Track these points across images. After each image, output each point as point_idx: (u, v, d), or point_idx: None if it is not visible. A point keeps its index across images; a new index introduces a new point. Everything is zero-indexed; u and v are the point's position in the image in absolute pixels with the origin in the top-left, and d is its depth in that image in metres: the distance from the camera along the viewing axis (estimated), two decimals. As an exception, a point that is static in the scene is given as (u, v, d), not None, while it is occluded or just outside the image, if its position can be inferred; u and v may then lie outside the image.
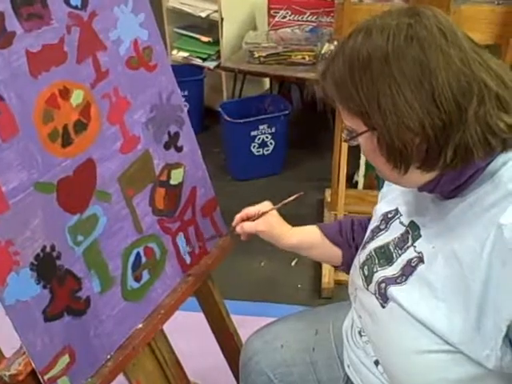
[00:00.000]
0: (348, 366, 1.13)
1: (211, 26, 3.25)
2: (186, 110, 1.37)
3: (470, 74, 0.83)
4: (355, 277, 1.10)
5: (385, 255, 1.03)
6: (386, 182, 1.15)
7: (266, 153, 2.98)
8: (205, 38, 3.29)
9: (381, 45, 0.84)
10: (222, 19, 3.11)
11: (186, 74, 3.24)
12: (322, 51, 2.80)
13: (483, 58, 0.85)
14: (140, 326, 1.24)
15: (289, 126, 3.03)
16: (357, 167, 2.84)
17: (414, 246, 0.97)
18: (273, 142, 2.95)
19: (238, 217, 1.29)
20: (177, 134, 1.34)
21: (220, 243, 1.45)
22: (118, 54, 1.19)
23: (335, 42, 2.80)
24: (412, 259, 0.95)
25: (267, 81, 3.44)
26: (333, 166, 2.66)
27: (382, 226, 1.08)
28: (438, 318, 0.88)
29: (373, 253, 1.06)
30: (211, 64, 3.27)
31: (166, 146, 1.31)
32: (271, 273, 2.47)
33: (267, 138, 2.92)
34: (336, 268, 1.33)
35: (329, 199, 2.75)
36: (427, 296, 0.90)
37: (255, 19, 3.20)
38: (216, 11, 3.15)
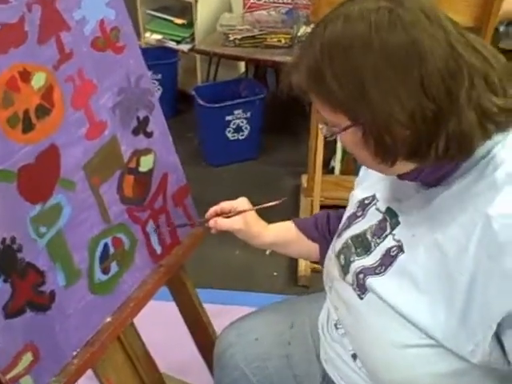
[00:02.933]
0: (325, 361, 1.10)
1: (185, 8, 3.17)
2: (156, 94, 1.31)
3: (457, 57, 0.78)
4: (330, 266, 1.06)
5: (362, 244, 0.99)
6: (363, 167, 1.11)
7: (241, 138, 2.93)
8: (178, 21, 3.21)
9: (363, 32, 0.78)
10: (195, 0, 3.04)
11: (160, 57, 3.16)
12: (299, 33, 2.75)
13: (468, 39, 0.81)
14: (108, 319, 1.19)
15: (264, 111, 2.98)
16: (333, 152, 2.80)
17: (393, 234, 0.93)
18: (248, 127, 2.90)
19: (211, 210, 1.24)
20: (146, 119, 1.28)
21: (192, 232, 1.40)
22: (82, 35, 1.13)
23: (312, 25, 2.75)
24: (391, 248, 0.92)
25: (243, 64, 3.38)
26: (309, 151, 2.61)
27: (359, 213, 1.04)
28: (419, 311, 0.85)
29: (349, 241, 1.02)
30: (185, 47, 3.20)
31: (135, 132, 1.26)
32: (246, 261, 2.42)
33: (242, 122, 2.87)
34: (316, 264, 1.30)
35: (305, 185, 2.71)
36: (408, 288, 0.87)
37: (230, 0, 3.13)
38: (190, -7, 3.07)
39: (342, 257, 1.02)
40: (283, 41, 2.81)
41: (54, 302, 1.08)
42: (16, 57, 1.00)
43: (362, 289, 0.94)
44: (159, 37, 3.25)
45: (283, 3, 2.90)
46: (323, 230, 1.23)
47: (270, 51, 2.80)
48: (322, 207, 2.49)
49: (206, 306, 1.54)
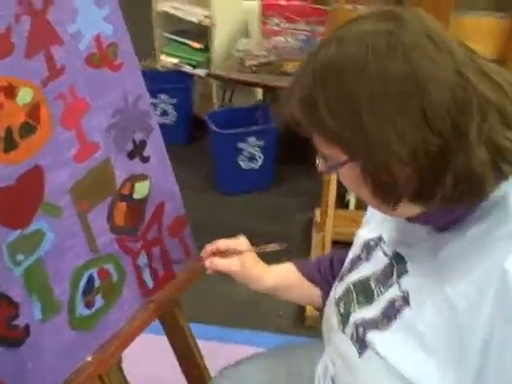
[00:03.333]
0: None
1: (202, 32, 3.12)
2: (155, 117, 1.23)
3: (466, 86, 0.69)
4: (330, 314, 0.96)
5: (365, 292, 0.88)
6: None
7: (254, 167, 2.84)
8: (196, 44, 3.16)
9: (357, 54, 0.70)
10: (213, 25, 2.99)
11: (175, 81, 3.11)
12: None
13: (480, 65, 0.71)
14: (89, 358, 1.09)
15: (279, 140, 2.89)
16: (348, 186, 2.69)
17: (399, 284, 0.83)
18: (261, 156, 2.81)
19: (207, 249, 1.15)
20: (143, 143, 1.20)
21: (189, 266, 1.31)
22: (77, 50, 1.05)
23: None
24: (395, 300, 0.81)
25: (260, 90, 3.31)
26: (324, 184, 2.52)
27: (363, 256, 0.94)
28: (426, 375, 0.74)
29: (351, 287, 0.92)
30: (201, 71, 3.14)
31: (131, 156, 1.17)
32: (251, 296, 2.30)
33: (256, 151, 2.78)
34: (318, 311, 1.19)
35: (318, 219, 2.61)
36: (414, 347, 0.76)
37: (247, 26, 3.07)
38: (207, 17, 3.02)
39: (341, 304, 0.92)
40: (301, 69, 2.73)
41: (29, 338, 0.99)
42: (0, 70, 0.92)
43: (361, 344, 0.84)
44: (175, 60, 3.19)
45: (301, 30, 2.83)
46: (326, 275, 1.13)
47: (286, 78, 2.72)
48: (335, 243, 2.39)
49: (204, 342, 1.44)
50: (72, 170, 1.05)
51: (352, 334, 0.86)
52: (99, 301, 1.12)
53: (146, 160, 1.21)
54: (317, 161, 0.82)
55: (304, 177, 3.03)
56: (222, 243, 1.12)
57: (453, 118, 0.67)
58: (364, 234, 0.97)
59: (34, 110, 0.98)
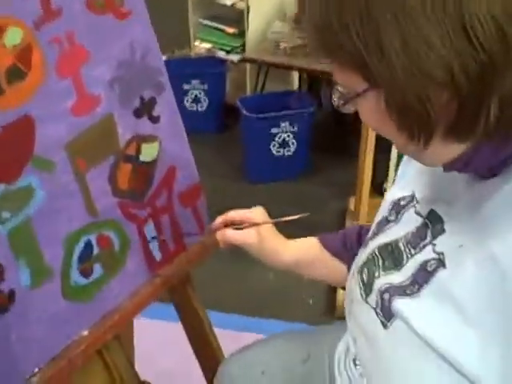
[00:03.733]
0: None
1: (237, 17, 3.02)
2: (166, 75, 1.12)
3: None
4: (353, 284, 0.83)
5: (392, 255, 0.76)
6: (403, 161, 0.88)
7: (286, 153, 2.72)
8: (230, 30, 3.06)
9: None
10: (248, 8, 2.88)
11: (208, 67, 3.01)
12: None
13: None
14: (85, 333, 0.99)
15: (314, 126, 2.77)
16: (386, 174, 2.55)
17: (434, 245, 0.70)
18: (294, 142, 2.68)
19: (219, 220, 1.03)
20: (152, 101, 1.09)
21: (202, 239, 1.19)
22: (76, -9, 0.95)
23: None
24: (428, 261, 0.68)
25: (296, 77, 3.18)
26: (358, 171, 2.38)
27: (392, 217, 0.81)
28: (463, 348, 0.61)
29: (376, 252, 0.79)
30: (235, 57, 3.04)
31: (137, 114, 1.07)
32: (280, 286, 2.19)
33: (288, 136, 2.66)
34: (343, 289, 1.06)
35: (352, 208, 2.47)
36: (449, 315, 0.63)
37: (284, 9, 2.95)
38: (242, 0, 2.92)
39: (365, 271, 0.79)
40: (338, 51, 2.60)
41: (13, 304, 0.89)
42: (-15, 5, 0.83)
43: (386, 314, 0.71)
44: (209, 45, 3.10)
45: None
46: (352, 249, 0.99)
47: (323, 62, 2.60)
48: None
49: (226, 332, 1.33)
50: (68, 124, 0.95)
51: (376, 303, 0.74)
52: (98, 270, 1.01)
53: (155, 120, 1.10)
54: (333, 96, 0.69)
55: (338, 166, 2.90)
56: (236, 213, 1.01)
57: (500, 27, 0.54)
58: (393, 194, 0.84)
59: (24, 53, 0.89)
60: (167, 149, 1.12)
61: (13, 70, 0.87)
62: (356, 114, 0.69)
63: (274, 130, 2.63)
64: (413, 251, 0.72)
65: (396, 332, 0.69)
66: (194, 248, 1.18)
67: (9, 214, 0.88)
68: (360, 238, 0.99)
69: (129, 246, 1.06)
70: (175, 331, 1.31)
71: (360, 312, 0.78)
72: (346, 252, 0.99)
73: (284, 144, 2.68)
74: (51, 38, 0.92)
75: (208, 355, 1.29)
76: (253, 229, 0.99)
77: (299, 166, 2.78)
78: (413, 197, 0.79)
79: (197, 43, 3.17)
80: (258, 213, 1.01)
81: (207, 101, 3.06)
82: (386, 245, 0.78)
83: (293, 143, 2.68)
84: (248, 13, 2.86)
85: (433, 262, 0.68)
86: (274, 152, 2.70)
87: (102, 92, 1.00)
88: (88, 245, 1.00)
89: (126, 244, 1.06)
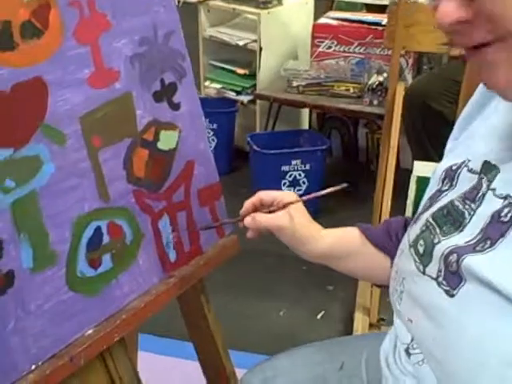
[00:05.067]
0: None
1: (248, 59, 2.99)
2: (189, 61, 1.05)
3: None
4: (401, 263, 0.73)
5: (450, 217, 0.66)
6: (452, 135, 0.80)
7: (297, 193, 2.62)
8: (240, 71, 3.02)
9: None
10: (260, 49, 2.85)
11: (217, 107, 2.96)
12: (369, 82, 2.49)
13: None
14: (89, 332, 0.87)
15: (325, 168, 2.68)
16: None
17: (493, 190, 0.61)
18: (306, 182, 2.59)
19: (248, 202, 0.94)
20: (173, 86, 1.01)
21: (220, 242, 1.09)
22: (100, -43, 0.89)
23: (384, 74, 2.50)
24: (501, 211, 0.59)
25: (306, 120, 3.13)
26: (373, 219, 2.29)
27: (445, 187, 0.72)
28: None
29: (430, 220, 0.69)
30: (245, 98, 2.99)
31: (157, 97, 0.98)
32: (292, 325, 2.06)
33: (300, 175, 2.57)
34: (381, 287, 0.95)
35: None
36: None
37: (297, 50, 2.93)
38: (255, 41, 2.89)
39: (420, 243, 0.69)
40: (352, 90, 2.56)
41: (12, 288, 0.78)
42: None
43: (453, 280, 0.61)
44: (219, 86, 3.06)
45: (354, 53, 2.66)
46: (398, 239, 0.89)
47: (337, 100, 2.55)
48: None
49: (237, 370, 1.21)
50: (84, 95, 0.87)
51: (439, 271, 0.63)
52: (107, 262, 0.91)
53: (175, 107, 1.02)
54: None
55: (349, 211, 2.80)
56: (265, 194, 0.91)
57: None
58: (443, 164, 0.75)
59: (41, 10, 0.81)
60: (187, 140, 1.04)
61: (28, 25, 0.79)
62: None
63: (284, 168, 2.54)
64: (473, 205, 0.63)
65: (466, 297, 0.60)
66: (211, 250, 1.07)
67: (13, 184, 0.78)
68: (407, 226, 0.89)
69: (141, 240, 0.96)
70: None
71: (416, 287, 0.68)
72: (390, 242, 0.89)
73: (295, 183, 2.59)
74: (71, 0, 0.85)
75: (219, 376, 1.16)
76: (286, 212, 0.89)
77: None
78: (464, 162, 0.70)
79: (207, 83, 3.13)
80: (289, 194, 0.92)
81: (216, 141, 2.99)
82: (441, 209, 0.68)
83: (304, 182, 2.60)
84: (261, 52, 2.83)
85: (506, 210, 0.58)
86: (285, 190, 2.61)
87: (122, 67, 0.92)
88: (98, 232, 0.89)
89: (139, 237, 0.96)
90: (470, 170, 0.68)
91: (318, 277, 2.29)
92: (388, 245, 0.89)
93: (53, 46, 0.83)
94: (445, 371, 0.62)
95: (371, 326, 1.88)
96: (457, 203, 0.66)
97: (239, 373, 1.23)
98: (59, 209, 0.84)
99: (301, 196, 0.95)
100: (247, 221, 0.92)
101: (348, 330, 2.00)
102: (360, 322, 1.89)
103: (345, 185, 0.91)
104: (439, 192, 0.72)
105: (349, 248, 0.92)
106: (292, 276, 2.30)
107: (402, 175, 2.08)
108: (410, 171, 1.96)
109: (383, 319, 1.93)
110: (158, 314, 1.11)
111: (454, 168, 0.71)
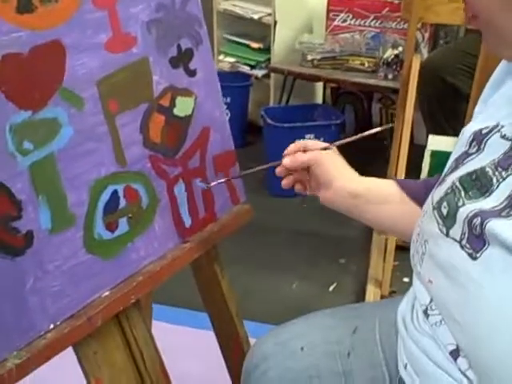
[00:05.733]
0: (405, 366, 0.74)
1: (263, 33, 2.98)
2: (205, 28, 1.05)
3: None
4: (425, 224, 0.73)
5: (477, 184, 0.66)
6: (483, 96, 0.79)
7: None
8: (255, 45, 3.01)
9: None
10: (275, 22, 2.83)
11: (231, 81, 2.95)
12: (385, 56, 2.47)
13: None
14: (106, 293, 0.89)
15: (340, 139, 2.67)
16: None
17: None
18: (319, 156, 2.59)
19: (292, 146, 0.96)
20: (189, 52, 1.01)
21: (234, 209, 1.10)
22: None
23: (400, 48, 2.48)
24: None
25: (320, 95, 3.12)
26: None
27: (473, 150, 0.71)
28: None
29: (457, 184, 0.69)
30: (259, 72, 2.98)
31: (173, 63, 0.99)
32: (304, 297, 2.07)
33: (313, 149, 2.57)
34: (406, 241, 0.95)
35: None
36: None
37: (312, 24, 2.91)
38: (269, 14, 2.87)
39: (444, 205, 0.69)
40: (367, 64, 2.54)
41: (31, 248, 0.79)
42: None
43: (476, 243, 0.61)
44: (232, 60, 3.05)
45: (370, 26, 2.64)
46: None
47: (352, 74, 2.53)
48: (398, 247, 2.14)
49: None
50: (101, 59, 0.87)
51: (462, 234, 0.64)
52: (123, 225, 0.92)
53: (191, 74, 1.02)
54: None
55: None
56: (311, 142, 0.94)
57: None
58: (472, 127, 0.75)
59: (59, -28, 0.81)
60: (202, 107, 1.04)
61: (45, -12, 0.79)
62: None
63: (298, 142, 2.54)
64: (504, 173, 0.63)
65: (488, 260, 0.60)
66: (225, 217, 1.08)
67: (32, 146, 0.79)
68: None
69: (157, 205, 0.97)
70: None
71: (439, 249, 0.68)
72: (426, 195, 0.89)
73: (308, 157, 2.59)
74: (88, -37, 0.85)
75: (233, 343, 1.17)
76: (324, 151, 0.91)
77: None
78: (497, 125, 0.70)
79: (221, 57, 3.12)
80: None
81: (229, 115, 2.99)
82: (469, 174, 0.68)
83: (317, 156, 2.59)
84: (275, 25, 2.82)
85: None
86: (298, 165, 2.61)
87: (139, 33, 0.93)
88: (114, 195, 0.90)
89: (155, 202, 0.96)
90: (503, 136, 0.68)
91: (330, 250, 2.30)
92: (424, 197, 0.89)
93: (70, 9, 0.83)
94: (464, 331, 0.63)
95: (382, 298, 1.89)
96: (488, 169, 0.66)
97: (252, 342, 1.25)
98: (77, 172, 0.84)
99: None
100: (286, 161, 0.93)
101: (360, 302, 2.01)
102: (372, 294, 1.90)
103: (389, 125, 0.92)
104: (466, 154, 0.72)
105: (383, 194, 0.92)
106: (304, 250, 2.31)
107: (416, 151, 2.08)
108: (424, 147, 1.96)
109: (394, 291, 1.94)
110: (172, 285, 1.13)
111: (484, 132, 0.71)
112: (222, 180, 1.04)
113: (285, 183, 0.96)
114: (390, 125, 0.92)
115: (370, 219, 0.95)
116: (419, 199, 0.89)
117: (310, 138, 2.54)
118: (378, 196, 0.92)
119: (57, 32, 0.81)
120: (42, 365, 0.79)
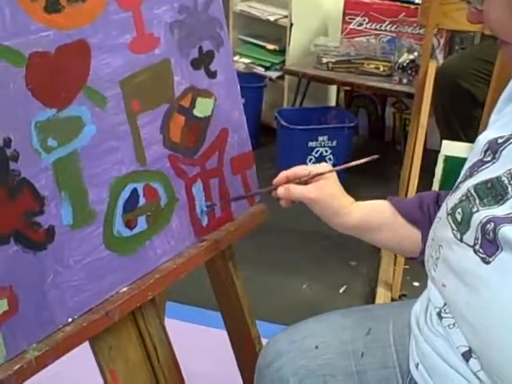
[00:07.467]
0: (416, 366, 0.75)
1: (278, 35, 2.99)
2: (226, 30, 1.07)
3: None
4: (438, 230, 0.74)
5: (492, 192, 0.67)
6: (498, 106, 0.80)
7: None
8: (270, 46, 3.02)
9: None
10: (291, 25, 2.84)
11: (246, 81, 2.96)
12: (400, 60, 2.47)
13: None
14: (124, 289, 0.90)
15: (352, 146, 2.68)
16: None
17: None
18: (332, 158, 2.60)
19: (282, 174, 0.96)
20: (210, 54, 1.03)
21: (250, 210, 1.11)
22: None
23: (415, 53, 2.48)
24: None
25: (333, 99, 3.13)
26: (400, 191, 2.29)
27: (487, 158, 0.72)
28: None
29: (472, 191, 0.70)
30: (274, 74, 2.99)
31: (194, 65, 1.00)
32: (314, 298, 2.08)
33: (326, 152, 2.58)
34: (411, 260, 0.97)
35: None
36: None
37: (327, 27, 2.92)
38: (286, 16, 2.88)
39: (458, 211, 0.70)
40: (382, 68, 2.55)
41: (52, 243, 0.81)
42: None
43: (489, 248, 0.63)
44: (247, 61, 3.06)
45: (386, 31, 2.65)
46: (430, 212, 0.90)
47: (366, 77, 2.54)
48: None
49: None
50: (125, 60, 0.89)
51: (475, 239, 0.65)
52: (142, 223, 0.93)
53: (212, 75, 1.03)
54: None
55: (374, 190, 2.79)
56: (300, 168, 0.93)
57: None
58: (487, 136, 0.76)
59: (86, -26, 0.83)
60: (222, 108, 1.05)
61: (73, -12, 0.81)
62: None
63: (311, 144, 2.55)
64: None
65: (501, 264, 0.62)
66: (241, 218, 1.09)
67: (55, 143, 0.81)
68: (438, 199, 0.90)
69: (175, 204, 0.98)
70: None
71: (453, 254, 0.69)
72: (422, 216, 0.90)
73: (321, 159, 2.59)
74: (114, -35, 0.86)
75: (245, 342, 1.19)
76: (317, 184, 0.91)
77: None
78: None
79: (236, 58, 3.13)
80: (322, 165, 0.94)
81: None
82: (484, 182, 0.69)
83: (330, 159, 2.60)
84: (291, 27, 2.83)
85: None
86: (310, 167, 2.62)
87: (162, 34, 0.94)
88: (134, 194, 0.92)
89: (173, 201, 0.98)
90: None
91: (341, 252, 2.31)
92: (419, 217, 0.91)
93: (96, 9, 0.84)
94: (476, 334, 0.64)
95: (393, 301, 1.90)
96: (504, 178, 0.67)
97: (263, 342, 1.26)
98: (98, 170, 0.86)
99: (334, 166, 0.97)
100: (280, 191, 0.94)
101: (370, 304, 2.01)
102: (382, 297, 1.91)
103: (375, 156, 0.92)
104: (481, 162, 0.73)
105: (380, 220, 0.94)
106: (315, 251, 2.31)
107: (429, 156, 2.08)
108: (437, 152, 1.97)
109: (405, 295, 1.94)
110: (186, 284, 1.14)
111: (499, 141, 0.72)
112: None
113: (283, 203, 0.96)
114: (376, 156, 0.92)
115: (373, 243, 0.99)
116: (413, 217, 0.91)
117: (322, 141, 2.55)
118: (373, 223, 0.95)
119: (83, 32, 0.83)
120: (60, 357, 0.81)
